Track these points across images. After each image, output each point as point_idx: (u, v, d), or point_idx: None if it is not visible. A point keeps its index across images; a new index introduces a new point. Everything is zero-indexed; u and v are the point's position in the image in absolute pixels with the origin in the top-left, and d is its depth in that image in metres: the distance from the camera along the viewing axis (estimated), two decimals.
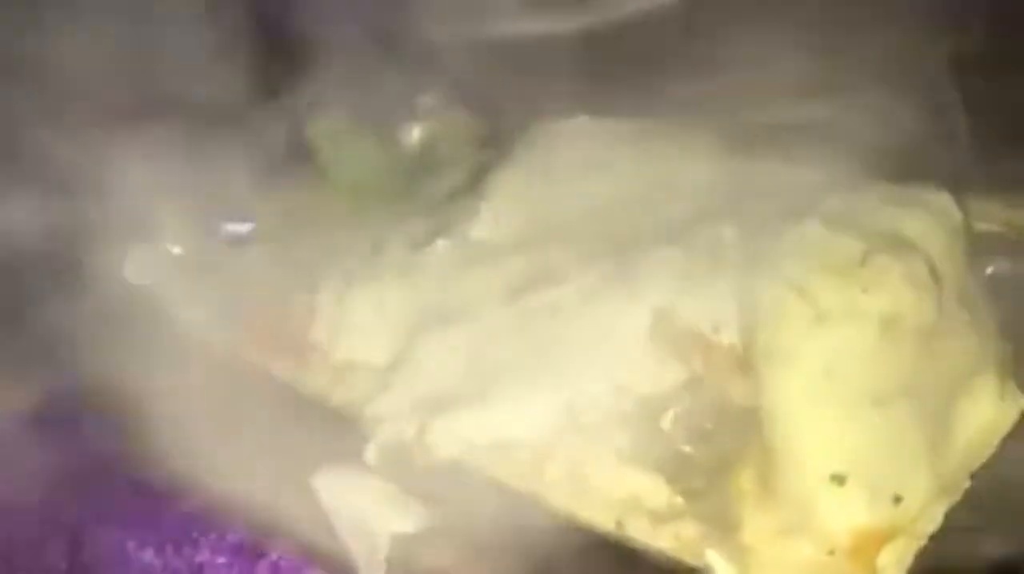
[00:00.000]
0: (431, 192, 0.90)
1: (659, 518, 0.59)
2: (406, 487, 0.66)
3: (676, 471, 0.61)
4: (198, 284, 0.88)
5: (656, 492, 0.60)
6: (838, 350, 0.55)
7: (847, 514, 0.54)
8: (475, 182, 0.85)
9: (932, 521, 0.54)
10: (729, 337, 0.63)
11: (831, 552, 0.53)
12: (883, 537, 0.53)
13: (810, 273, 0.58)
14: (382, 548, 0.65)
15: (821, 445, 0.56)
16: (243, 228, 0.93)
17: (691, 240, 0.69)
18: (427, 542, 0.63)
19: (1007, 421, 0.58)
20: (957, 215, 0.61)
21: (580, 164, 0.79)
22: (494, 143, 0.93)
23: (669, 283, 0.66)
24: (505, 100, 0.96)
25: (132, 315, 0.85)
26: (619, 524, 0.60)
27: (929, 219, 0.60)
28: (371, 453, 0.68)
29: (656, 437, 0.62)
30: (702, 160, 0.77)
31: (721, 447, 0.61)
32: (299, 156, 0.98)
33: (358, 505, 0.67)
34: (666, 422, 0.63)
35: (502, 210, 0.78)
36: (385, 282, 0.76)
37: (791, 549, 0.54)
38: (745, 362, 0.62)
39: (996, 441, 0.57)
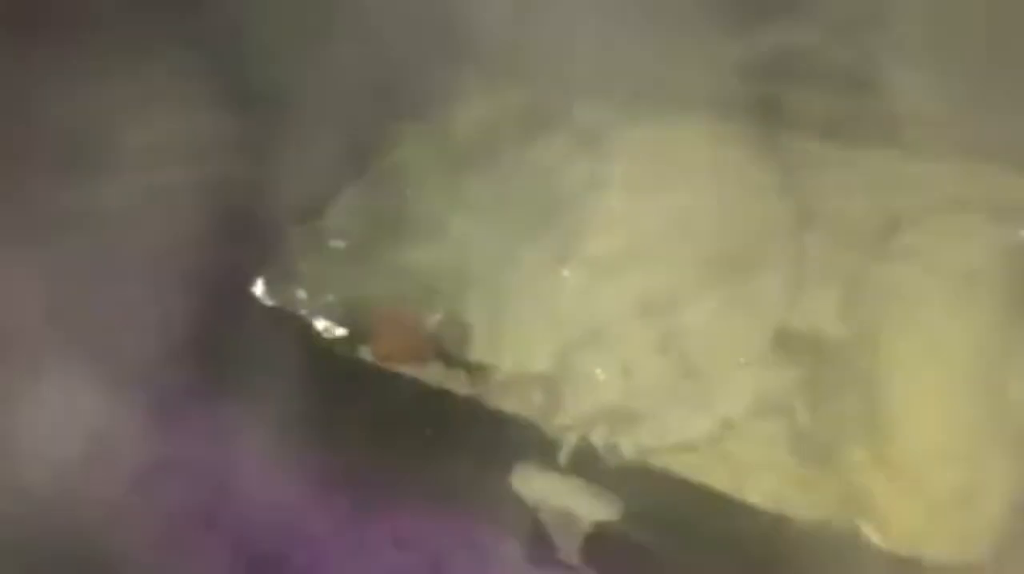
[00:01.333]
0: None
1: (804, 490, 0.82)
2: (597, 482, 0.86)
3: (808, 452, 0.83)
4: (331, 300, 1.01)
5: (798, 472, 0.82)
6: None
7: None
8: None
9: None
10: (836, 333, 0.85)
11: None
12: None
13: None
14: (582, 531, 0.86)
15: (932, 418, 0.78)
16: (341, 244, 1.05)
17: (788, 254, 0.88)
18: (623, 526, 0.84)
19: None
20: None
21: (663, 175, 0.95)
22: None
23: (781, 300, 0.86)
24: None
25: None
26: (775, 501, 0.82)
27: None
28: (564, 456, 0.87)
29: (791, 428, 0.84)
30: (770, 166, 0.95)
31: (838, 427, 0.83)
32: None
33: (559, 498, 0.86)
34: (796, 415, 0.84)
35: (605, 226, 0.94)
36: (534, 300, 0.92)
37: (914, 508, 0.78)
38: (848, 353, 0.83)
39: None
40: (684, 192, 0.94)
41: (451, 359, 0.95)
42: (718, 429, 0.84)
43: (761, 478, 0.83)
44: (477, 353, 0.93)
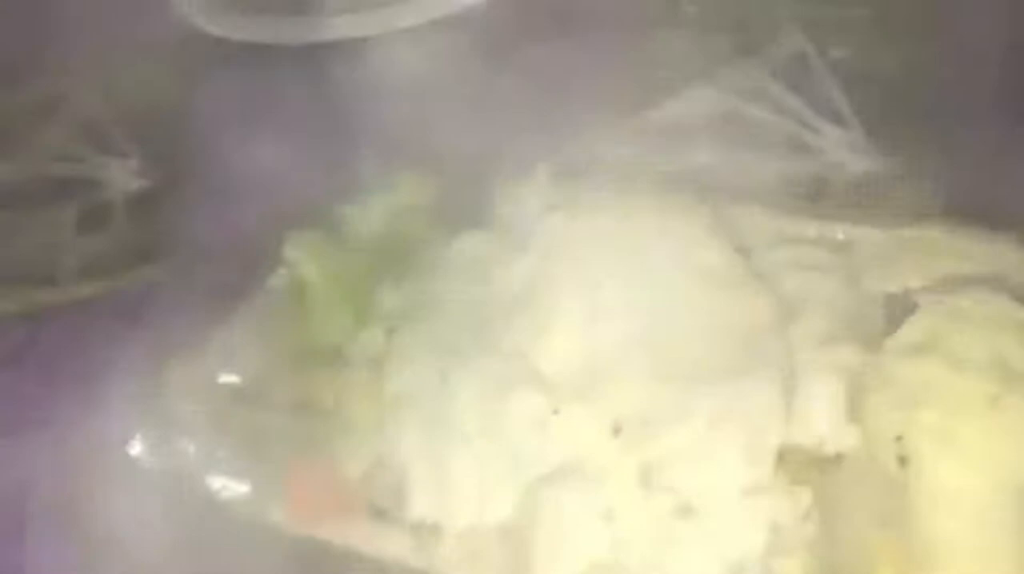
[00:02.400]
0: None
1: None
2: None
3: None
4: (226, 452, 0.83)
5: None
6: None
7: None
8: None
9: None
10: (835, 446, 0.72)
11: None
12: None
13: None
14: None
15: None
16: (234, 379, 0.87)
17: (777, 354, 0.75)
18: None
19: None
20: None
21: (615, 269, 0.81)
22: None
23: (778, 412, 0.73)
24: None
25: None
26: None
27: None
28: None
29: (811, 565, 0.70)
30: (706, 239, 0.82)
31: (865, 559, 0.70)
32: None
33: None
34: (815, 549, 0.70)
35: (558, 338, 0.79)
36: (483, 436, 0.76)
37: None
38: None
39: None
40: (643, 288, 0.80)
41: (387, 516, 0.78)
42: None
43: None
44: (418, 507, 0.77)
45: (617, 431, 0.75)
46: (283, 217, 0.93)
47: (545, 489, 0.74)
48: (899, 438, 0.67)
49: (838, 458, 0.73)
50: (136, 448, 0.83)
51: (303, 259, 0.88)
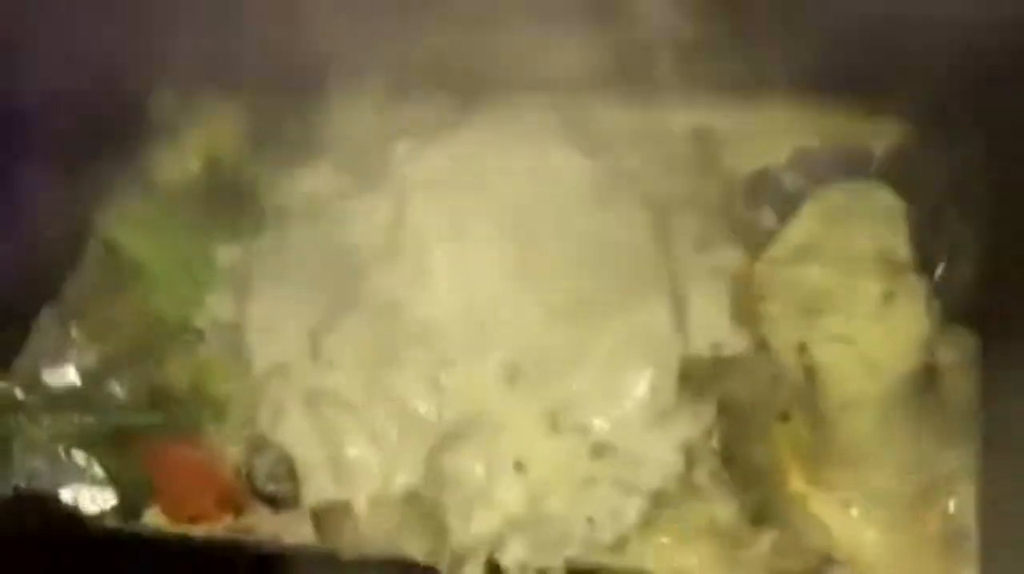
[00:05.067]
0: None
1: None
2: None
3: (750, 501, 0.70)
4: (79, 459, 0.74)
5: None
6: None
7: None
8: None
9: None
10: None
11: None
12: None
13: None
14: None
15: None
16: (71, 379, 0.77)
17: (663, 270, 0.73)
18: None
19: None
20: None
21: (479, 202, 0.76)
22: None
23: (673, 330, 0.71)
24: None
25: None
26: None
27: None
28: None
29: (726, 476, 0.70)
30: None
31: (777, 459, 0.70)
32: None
33: None
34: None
35: (431, 284, 0.74)
36: (370, 399, 0.71)
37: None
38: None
39: None
40: (514, 220, 0.75)
41: (280, 500, 0.72)
42: (653, 509, 0.69)
43: (711, 548, 0.69)
44: (313, 487, 0.71)
45: (512, 379, 0.71)
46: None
47: (448, 449, 0.70)
48: (803, 347, 0.67)
49: (733, 362, 0.73)
50: None
51: (128, 234, 0.78)
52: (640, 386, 0.70)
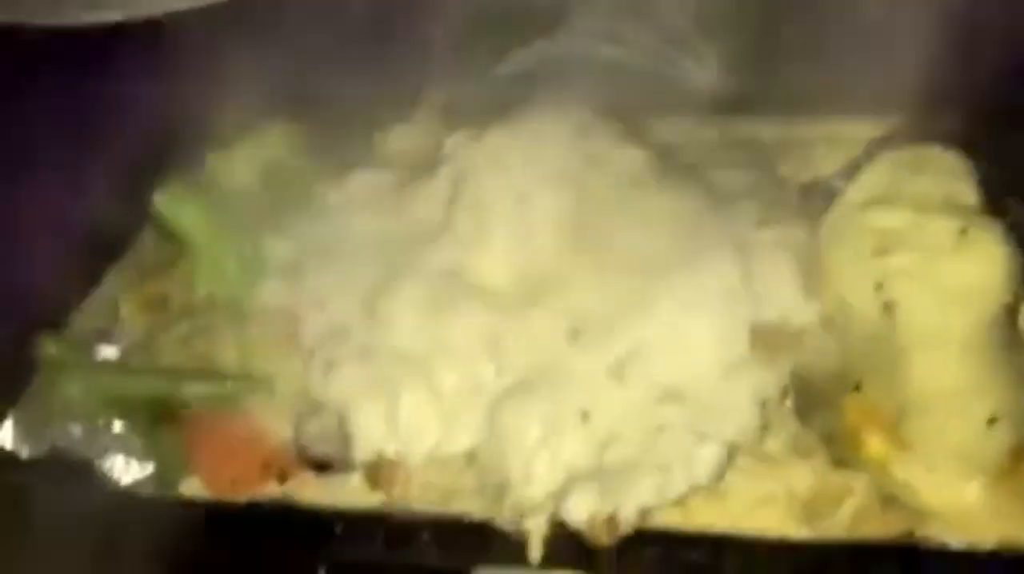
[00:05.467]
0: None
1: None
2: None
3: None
4: (118, 429, 0.71)
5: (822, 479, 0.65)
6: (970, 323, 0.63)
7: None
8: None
9: None
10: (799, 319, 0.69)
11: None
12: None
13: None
14: None
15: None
16: (113, 350, 0.75)
17: (729, 236, 0.71)
18: None
19: None
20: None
21: (539, 178, 0.76)
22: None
23: (743, 296, 0.69)
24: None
25: None
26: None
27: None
28: (535, 549, 0.63)
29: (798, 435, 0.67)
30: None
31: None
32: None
33: None
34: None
35: (491, 248, 0.73)
36: (432, 363, 0.68)
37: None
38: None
39: None
40: (573, 192, 0.75)
41: (328, 465, 0.68)
42: (726, 459, 0.64)
43: (780, 503, 0.64)
44: (367, 443, 0.67)
45: (575, 335, 0.69)
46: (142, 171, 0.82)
47: (510, 403, 0.67)
48: (879, 286, 0.65)
49: (800, 333, 0.70)
50: (7, 437, 0.70)
51: (181, 212, 0.77)
52: (710, 335, 0.67)
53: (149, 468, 0.70)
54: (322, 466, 0.68)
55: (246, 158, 0.84)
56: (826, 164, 0.81)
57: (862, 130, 0.81)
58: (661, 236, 0.73)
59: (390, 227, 0.78)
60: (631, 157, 0.78)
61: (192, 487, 0.69)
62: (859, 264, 0.66)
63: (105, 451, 0.70)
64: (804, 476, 0.66)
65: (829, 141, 0.83)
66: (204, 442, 0.70)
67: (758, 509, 0.65)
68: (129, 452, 0.71)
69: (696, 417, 0.65)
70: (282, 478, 0.69)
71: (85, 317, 0.76)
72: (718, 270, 0.70)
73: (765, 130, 0.85)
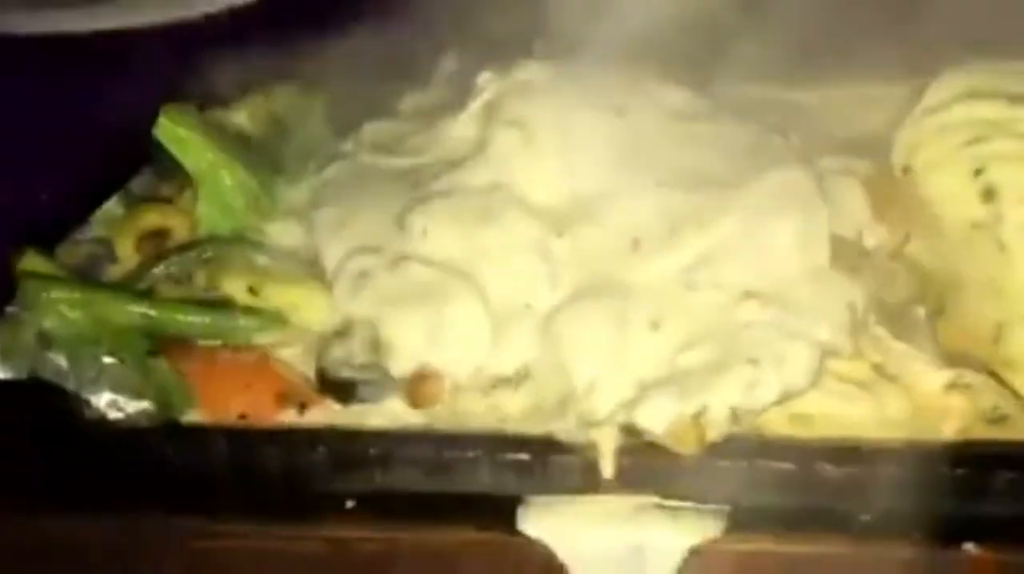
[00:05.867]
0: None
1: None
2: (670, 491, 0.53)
3: None
4: (110, 360, 0.61)
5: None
6: None
7: None
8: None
9: None
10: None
11: None
12: None
13: None
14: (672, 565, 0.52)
15: None
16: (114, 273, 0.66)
17: (782, 156, 0.65)
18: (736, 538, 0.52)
19: None
20: None
21: (574, 102, 0.69)
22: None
23: (821, 203, 0.62)
24: None
25: None
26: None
27: None
28: (608, 468, 0.53)
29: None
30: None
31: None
32: None
33: (623, 532, 0.53)
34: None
35: (544, 161, 0.66)
36: (479, 267, 0.60)
37: None
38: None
39: None
40: (623, 121, 0.68)
41: (354, 391, 0.59)
42: (819, 363, 0.56)
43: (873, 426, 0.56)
44: (404, 359, 0.58)
45: (636, 244, 0.61)
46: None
47: (569, 314, 0.59)
48: (978, 171, 0.59)
49: (877, 253, 0.64)
50: None
51: (184, 137, 0.69)
52: (789, 240, 0.60)
53: (143, 404, 0.60)
54: (348, 393, 0.59)
55: (251, 111, 0.78)
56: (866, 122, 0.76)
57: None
58: (719, 157, 0.66)
59: (414, 162, 0.71)
60: (679, 96, 0.72)
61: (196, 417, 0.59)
62: (951, 157, 0.61)
63: (93, 384, 0.60)
64: (898, 396, 0.58)
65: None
66: (208, 374, 0.61)
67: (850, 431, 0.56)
68: (120, 387, 0.60)
69: (783, 316, 0.57)
70: (302, 409, 0.59)
71: (73, 248, 0.67)
72: (791, 179, 0.63)
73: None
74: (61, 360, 0.61)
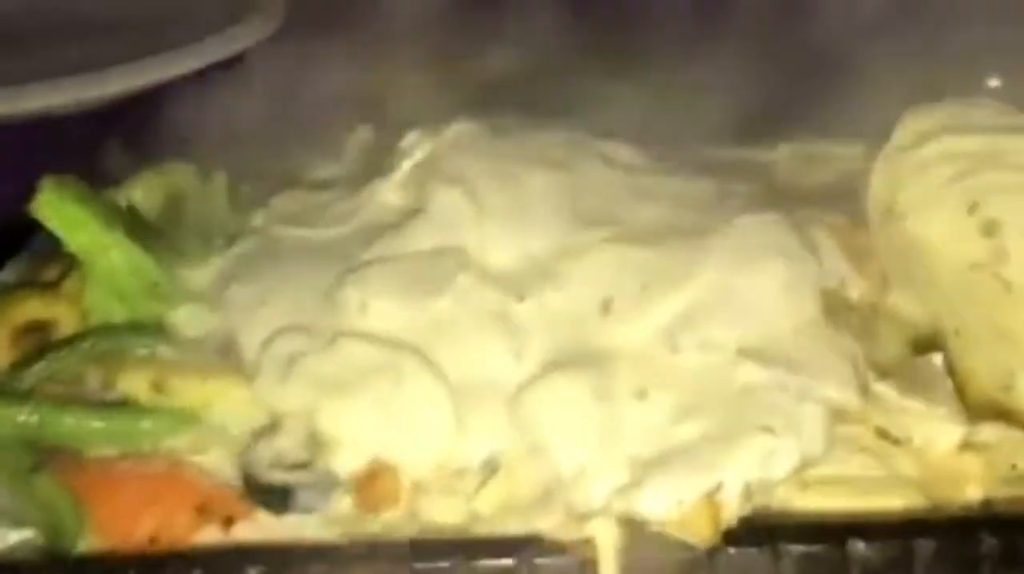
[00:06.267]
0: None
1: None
2: None
3: None
4: None
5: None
6: None
7: None
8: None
9: None
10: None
11: None
12: None
13: None
14: None
15: None
16: None
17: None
18: None
19: None
20: None
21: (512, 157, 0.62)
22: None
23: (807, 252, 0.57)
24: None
25: None
26: None
27: None
28: (608, 563, 0.45)
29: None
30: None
31: None
32: None
33: None
34: None
35: (491, 226, 0.58)
36: (431, 354, 0.51)
37: None
38: None
39: None
40: (567, 175, 0.61)
41: (292, 489, 0.49)
42: (831, 424, 0.49)
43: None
44: (352, 454, 0.49)
45: (606, 306, 0.54)
46: None
47: (541, 391, 0.50)
48: (974, 207, 0.54)
49: (855, 307, 0.58)
50: None
51: (69, 212, 0.59)
52: (777, 292, 0.54)
53: (26, 533, 0.49)
54: (283, 500, 0.49)
55: (144, 189, 0.68)
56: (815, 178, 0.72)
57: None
58: (679, 209, 0.60)
59: (338, 232, 0.62)
60: (619, 147, 0.66)
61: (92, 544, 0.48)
62: (939, 194, 0.55)
63: None
64: (908, 459, 0.51)
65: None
66: (106, 490, 0.50)
67: (875, 495, 0.49)
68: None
69: (787, 376, 0.50)
70: (228, 523, 0.49)
71: None
72: (767, 224, 0.57)
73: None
74: None
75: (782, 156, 0.74)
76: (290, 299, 0.56)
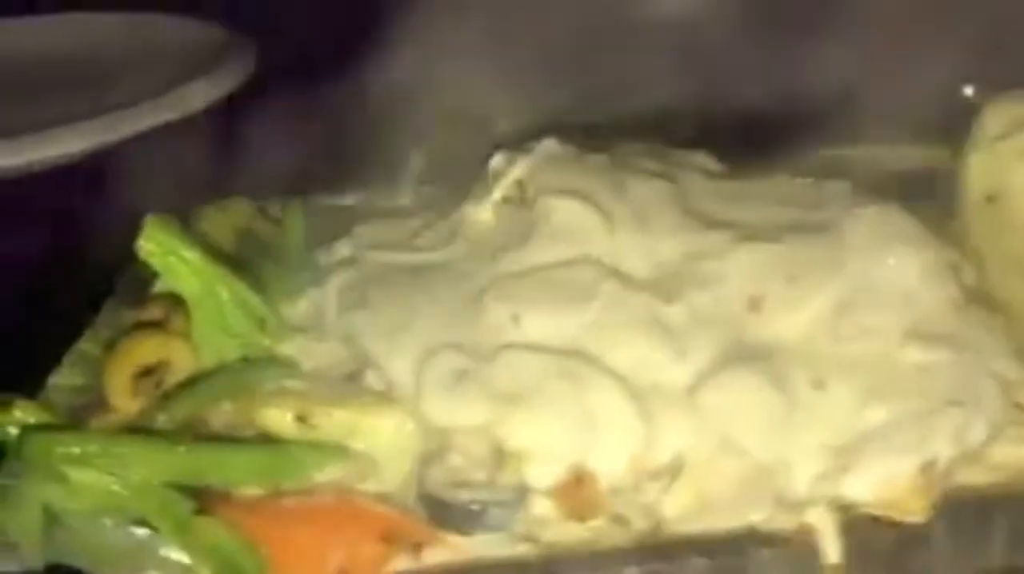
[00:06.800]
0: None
1: None
2: None
3: None
4: None
5: None
6: None
7: None
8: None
9: None
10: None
11: None
12: None
13: None
14: None
15: None
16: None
17: None
18: None
19: None
20: None
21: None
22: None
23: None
24: None
25: None
26: None
27: None
28: (832, 545, 0.44)
29: None
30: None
31: None
32: None
33: None
34: None
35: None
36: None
37: None
38: None
39: None
40: (660, 180, 0.62)
41: (476, 507, 0.47)
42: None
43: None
44: (549, 464, 0.47)
45: (755, 303, 0.54)
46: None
47: (719, 388, 0.49)
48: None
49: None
50: None
51: (176, 252, 0.56)
52: (915, 270, 0.54)
53: None
54: (473, 520, 0.47)
55: (210, 226, 0.65)
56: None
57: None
58: (787, 208, 0.61)
59: (444, 254, 0.60)
60: (698, 157, 0.67)
61: None
62: None
63: (126, 566, 0.45)
64: None
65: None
66: (281, 529, 0.47)
67: None
68: (164, 565, 0.45)
69: (957, 354, 0.51)
70: (417, 549, 0.46)
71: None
72: (887, 214, 0.58)
73: None
74: (71, 540, 0.45)
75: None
76: (431, 320, 0.54)
